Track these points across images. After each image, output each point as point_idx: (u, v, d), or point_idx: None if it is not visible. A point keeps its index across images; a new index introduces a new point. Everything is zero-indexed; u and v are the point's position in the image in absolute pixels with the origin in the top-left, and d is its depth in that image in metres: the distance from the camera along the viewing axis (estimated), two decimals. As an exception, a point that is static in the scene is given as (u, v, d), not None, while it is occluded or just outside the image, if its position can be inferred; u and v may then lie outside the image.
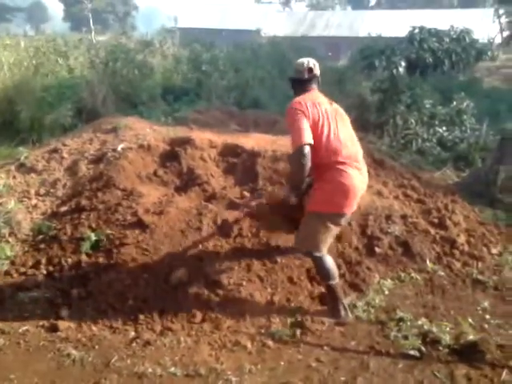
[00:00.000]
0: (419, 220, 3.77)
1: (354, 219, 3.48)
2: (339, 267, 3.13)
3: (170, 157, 4.27)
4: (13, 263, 3.37)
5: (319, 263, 2.82)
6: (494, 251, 3.67)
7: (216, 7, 36.08)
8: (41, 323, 2.85)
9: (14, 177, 4.40)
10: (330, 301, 2.90)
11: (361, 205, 3.43)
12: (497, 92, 11.64)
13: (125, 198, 3.66)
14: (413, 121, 6.81)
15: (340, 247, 3.38)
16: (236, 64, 12.45)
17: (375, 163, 4.65)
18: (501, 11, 26.78)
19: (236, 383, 2.34)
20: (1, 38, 11.83)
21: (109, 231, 3.37)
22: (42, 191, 4.20)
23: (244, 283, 3.02)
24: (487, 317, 2.87)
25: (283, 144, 4.24)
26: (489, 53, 14.17)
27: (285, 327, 2.80)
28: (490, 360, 2.41)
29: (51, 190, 4.18)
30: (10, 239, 3.59)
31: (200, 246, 3.23)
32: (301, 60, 2.89)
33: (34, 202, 4.05)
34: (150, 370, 2.44)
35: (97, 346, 2.64)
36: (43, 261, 3.32)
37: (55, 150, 4.78)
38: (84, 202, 3.72)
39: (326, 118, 2.71)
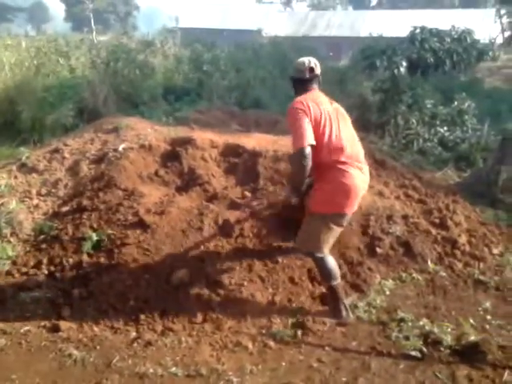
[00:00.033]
0: (420, 220, 3.77)
1: (355, 219, 3.47)
2: (340, 267, 3.11)
3: (171, 157, 4.27)
4: (14, 263, 3.37)
5: (321, 264, 2.81)
6: (496, 251, 3.67)
7: (217, 7, 36.09)
8: (42, 323, 2.85)
9: (16, 177, 4.41)
10: (331, 301, 2.89)
11: (362, 205, 3.43)
12: (498, 92, 11.61)
13: (126, 198, 3.66)
14: (414, 121, 6.79)
15: (341, 247, 3.38)
16: (237, 64, 12.44)
17: (376, 163, 4.65)
18: (502, 11, 26.82)
19: None
20: (2, 38, 11.89)
21: (110, 231, 3.37)
22: (44, 191, 4.20)
23: (245, 283, 3.02)
24: (489, 317, 2.87)
25: (284, 144, 4.24)
26: (490, 53, 14.15)
27: (286, 328, 2.80)
28: (491, 361, 2.40)
29: (52, 190, 4.19)
30: (12, 239, 3.60)
31: (201, 246, 3.23)
32: (302, 59, 2.87)
33: (35, 202, 4.05)
34: (151, 370, 2.44)
35: (98, 347, 2.64)
36: (45, 261, 3.32)
37: (56, 150, 4.78)
38: (85, 202, 3.73)
39: (328, 117, 2.70)
